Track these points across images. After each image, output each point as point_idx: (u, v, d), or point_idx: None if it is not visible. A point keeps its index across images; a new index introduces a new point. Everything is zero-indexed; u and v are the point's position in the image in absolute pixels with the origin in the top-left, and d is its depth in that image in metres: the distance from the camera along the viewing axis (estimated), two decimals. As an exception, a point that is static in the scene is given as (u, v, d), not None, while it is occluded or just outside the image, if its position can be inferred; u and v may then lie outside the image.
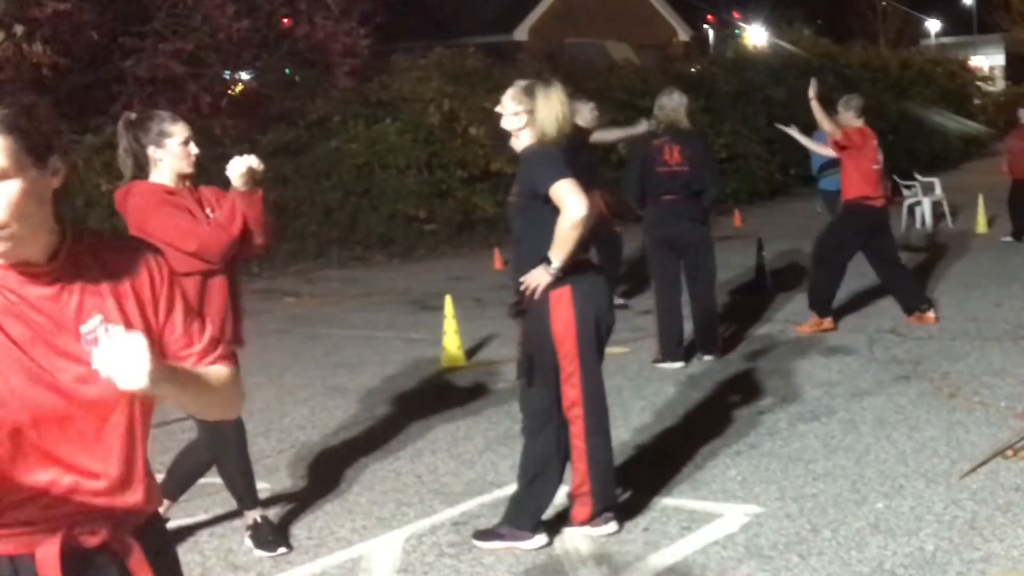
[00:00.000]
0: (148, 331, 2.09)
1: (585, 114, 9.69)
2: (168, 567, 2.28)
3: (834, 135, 8.98)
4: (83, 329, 2.04)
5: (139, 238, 2.32)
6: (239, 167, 4.49)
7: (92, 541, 2.11)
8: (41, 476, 2.06)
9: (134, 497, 2.15)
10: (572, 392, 4.74)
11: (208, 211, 4.59)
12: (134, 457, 2.15)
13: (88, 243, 2.11)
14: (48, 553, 2.06)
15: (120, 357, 1.89)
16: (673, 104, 8.13)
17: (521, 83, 4.80)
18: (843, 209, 9.16)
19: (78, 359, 2.02)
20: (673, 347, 8.04)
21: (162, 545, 2.29)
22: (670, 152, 8.05)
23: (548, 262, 4.59)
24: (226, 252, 4.51)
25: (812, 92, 9.04)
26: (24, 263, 2.02)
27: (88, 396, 2.04)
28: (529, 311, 4.73)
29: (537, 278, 4.62)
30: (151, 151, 4.53)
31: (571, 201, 4.55)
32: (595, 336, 4.74)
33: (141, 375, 1.89)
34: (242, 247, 4.60)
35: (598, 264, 5.03)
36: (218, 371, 2.22)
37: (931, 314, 9.07)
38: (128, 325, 2.05)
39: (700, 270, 8.16)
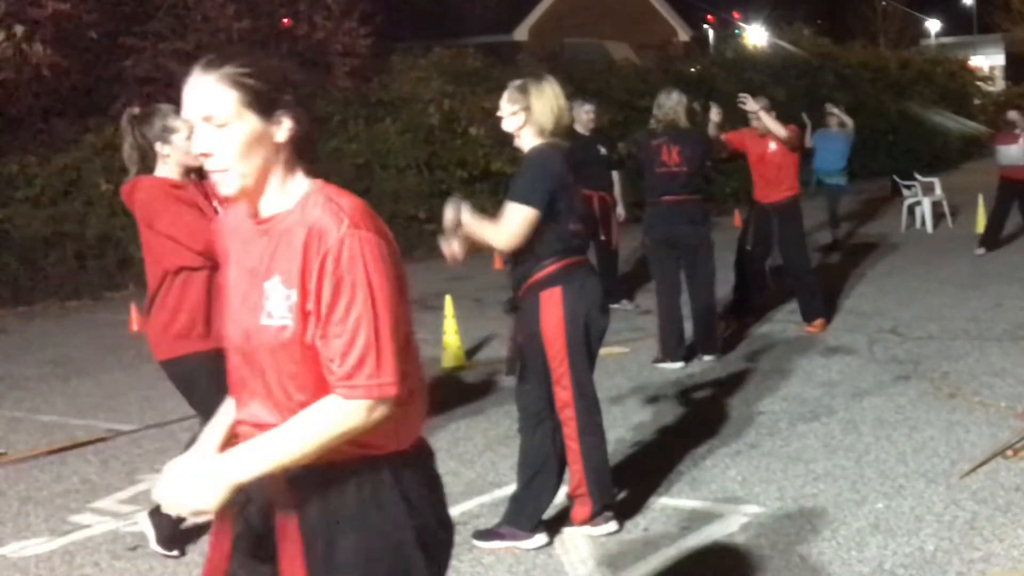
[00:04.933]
0: (303, 300, 2.22)
1: (581, 116, 9.69)
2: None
3: (782, 137, 8.88)
4: (265, 285, 2.26)
5: (347, 214, 2.29)
6: None
7: None
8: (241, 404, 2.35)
9: None
10: (563, 394, 4.75)
11: (216, 203, 4.62)
12: (294, 408, 2.25)
13: (315, 201, 2.29)
14: None
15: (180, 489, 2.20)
16: (672, 103, 8.10)
17: (515, 83, 4.81)
18: (791, 208, 9.05)
19: (257, 307, 2.26)
20: (673, 347, 8.03)
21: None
22: (668, 152, 8.03)
23: (461, 208, 4.65)
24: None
25: (752, 105, 8.83)
26: (247, 204, 2.31)
27: (253, 343, 2.27)
28: (522, 310, 4.74)
29: (447, 210, 4.68)
30: (157, 146, 4.56)
31: (504, 230, 4.62)
32: (585, 338, 4.74)
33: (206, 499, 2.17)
34: None
35: (593, 266, 5.02)
36: (325, 405, 2.22)
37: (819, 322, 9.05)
38: (292, 287, 2.21)
39: (699, 270, 8.15)
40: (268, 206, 2.32)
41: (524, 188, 4.64)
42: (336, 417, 2.18)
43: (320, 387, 2.23)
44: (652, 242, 8.25)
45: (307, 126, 2.31)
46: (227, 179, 2.26)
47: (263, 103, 2.25)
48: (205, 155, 2.27)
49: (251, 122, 2.24)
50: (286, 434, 2.18)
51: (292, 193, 2.31)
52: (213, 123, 2.25)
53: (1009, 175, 12.71)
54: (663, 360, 8.02)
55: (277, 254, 2.26)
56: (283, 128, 2.27)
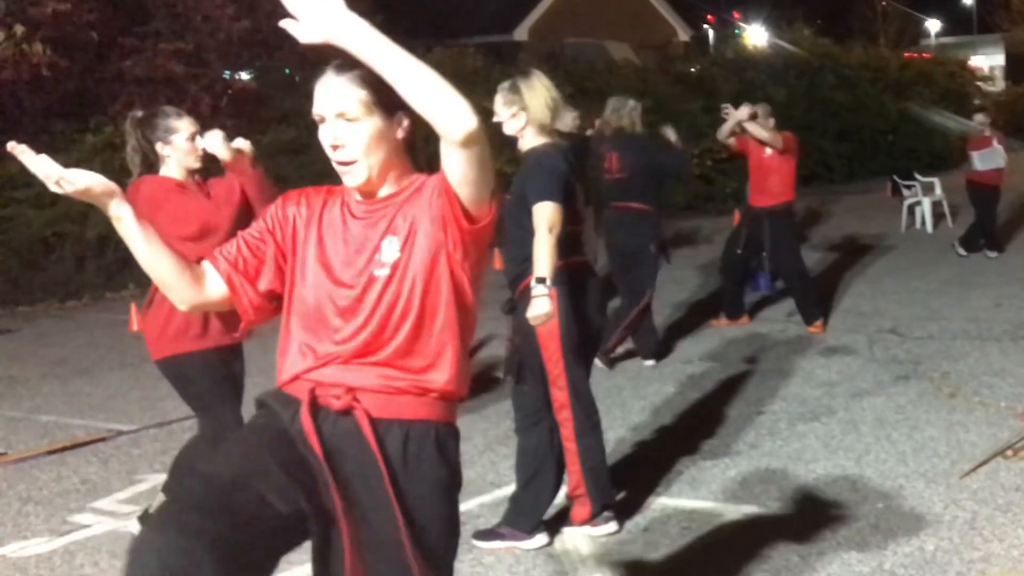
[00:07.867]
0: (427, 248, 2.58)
1: (567, 120, 9.69)
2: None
3: (775, 143, 8.88)
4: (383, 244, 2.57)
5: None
6: (214, 140, 4.53)
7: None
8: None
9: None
10: (560, 395, 4.75)
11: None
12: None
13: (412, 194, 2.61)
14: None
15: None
16: (627, 110, 8.10)
17: (504, 86, 4.78)
18: (784, 212, 9.05)
19: (350, 282, 2.57)
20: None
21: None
22: (610, 159, 8.06)
23: (540, 282, 4.50)
24: (231, 225, 4.49)
25: (745, 112, 8.75)
26: (367, 192, 2.58)
27: (345, 298, 2.57)
28: (518, 310, 4.73)
29: (539, 308, 4.52)
30: (159, 147, 4.58)
31: (542, 225, 4.52)
32: (581, 339, 4.73)
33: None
34: (246, 224, 4.62)
35: (592, 267, 5.00)
36: None
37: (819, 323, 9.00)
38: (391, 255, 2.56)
39: (630, 279, 7.99)
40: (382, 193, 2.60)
41: (540, 187, 4.60)
42: (451, 93, 2.31)
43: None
44: (606, 247, 8.27)
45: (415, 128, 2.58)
46: (355, 170, 2.54)
47: (388, 103, 2.48)
48: (336, 147, 2.52)
49: (377, 119, 2.49)
50: (413, 58, 2.32)
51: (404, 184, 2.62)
52: (344, 118, 2.50)
53: (982, 180, 12.41)
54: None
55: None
56: (403, 127, 2.56)
